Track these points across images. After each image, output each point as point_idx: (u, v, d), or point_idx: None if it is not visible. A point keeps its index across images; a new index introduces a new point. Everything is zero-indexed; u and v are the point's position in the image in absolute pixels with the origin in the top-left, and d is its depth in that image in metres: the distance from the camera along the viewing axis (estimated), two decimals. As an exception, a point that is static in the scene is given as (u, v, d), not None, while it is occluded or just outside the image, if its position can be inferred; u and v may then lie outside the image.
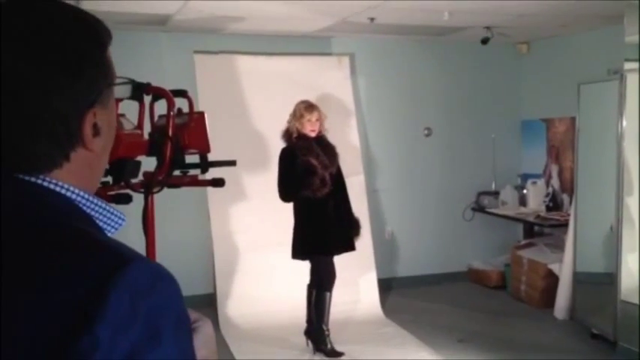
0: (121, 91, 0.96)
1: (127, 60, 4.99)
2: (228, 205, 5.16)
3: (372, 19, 4.65)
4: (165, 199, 4.78)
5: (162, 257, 5.84)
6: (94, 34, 0.82)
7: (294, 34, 5.40)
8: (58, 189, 0.77)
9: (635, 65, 4.14)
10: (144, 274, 0.72)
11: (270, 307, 4.98)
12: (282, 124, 4.36)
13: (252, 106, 5.30)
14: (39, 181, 0.76)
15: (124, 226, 0.85)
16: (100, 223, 0.81)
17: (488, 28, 5.08)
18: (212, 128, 5.21)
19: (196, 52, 5.23)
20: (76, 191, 0.79)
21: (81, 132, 0.78)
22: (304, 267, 4.44)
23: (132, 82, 0.98)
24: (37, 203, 0.76)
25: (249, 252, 5.14)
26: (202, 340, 0.87)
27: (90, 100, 0.79)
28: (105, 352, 0.65)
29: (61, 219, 0.76)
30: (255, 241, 5.11)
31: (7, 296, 0.67)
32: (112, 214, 0.83)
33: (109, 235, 0.83)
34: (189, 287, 5.26)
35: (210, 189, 5.01)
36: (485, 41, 5.21)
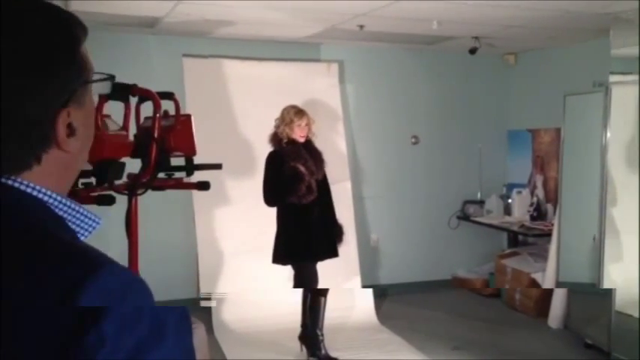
0: (99, 87, 0.93)
1: (115, 62, 4.96)
2: (214, 209, 5.14)
3: (361, 27, 4.67)
4: (150, 202, 4.76)
5: (146, 261, 5.83)
6: (67, 31, 0.79)
7: (284, 40, 5.40)
8: (29, 190, 0.75)
9: (620, 78, 4.19)
10: (117, 280, 0.71)
11: (257, 312, 4.96)
12: (269, 129, 4.34)
13: (239, 110, 5.29)
14: (9, 182, 0.74)
15: (98, 229, 0.83)
16: (73, 226, 0.79)
17: (476, 38, 5.11)
18: (199, 132, 5.21)
19: (185, 55, 5.22)
20: (48, 193, 0.76)
21: (54, 132, 0.76)
22: (290, 273, 4.43)
23: (111, 77, 0.95)
24: (7, 205, 0.73)
25: (234, 257, 5.12)
26: (196, 342, 0.87)
27: (63, 99, 0.76)
28: (110, 348, 0.65)
29: (31, 220, 0.74)
30: (241, 246, 5.08)
31: None
32: (86, 216, 0.81)
33: (82, 238, 0.81)
34: (172, 291, 5.27)
35: (196, 193, 4.99)
36: (473, 51, 5.25)
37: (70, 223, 0.79)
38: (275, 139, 4.28)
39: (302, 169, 4.11)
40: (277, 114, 4.31)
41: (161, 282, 5.27)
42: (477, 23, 4.59)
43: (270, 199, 4.19)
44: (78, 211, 0.80)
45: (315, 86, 5.46)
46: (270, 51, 5.45)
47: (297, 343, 4.42)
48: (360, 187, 5.87)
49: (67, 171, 0.81)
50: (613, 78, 4.18)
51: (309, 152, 4.25)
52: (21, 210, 0.73)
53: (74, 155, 0.80)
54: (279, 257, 4.29)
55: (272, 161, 4.22)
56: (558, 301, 4.98)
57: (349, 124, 5.78)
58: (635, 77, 4.15)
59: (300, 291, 4.40)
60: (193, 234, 5.14)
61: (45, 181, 0.76)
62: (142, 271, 5.69)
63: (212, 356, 3.94)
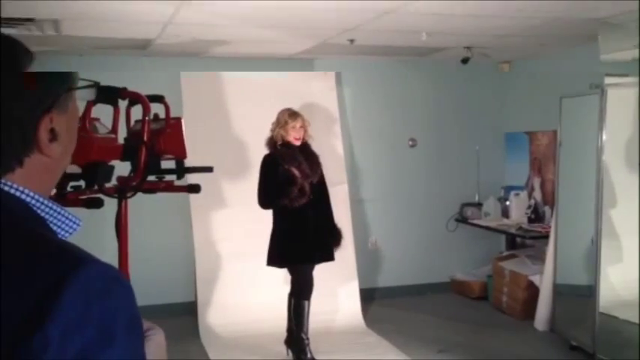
0: (84, 93, 0.95)
1: (110, 83, 4.97)
2: (211, 213, 5.15)
3: (351, 41, 4.65)
4: (147, 206, 4.79)
5: (143, 264, 5.87)
6: None
7: (278, 57, 5.41)
8: (12, 191, 0.76)
9: (615, 80, 4.19)
10: (98, 277, 0.72)
11: (251, 315, 4.97)
12: (266, 133, 4.36)
13: (236, 115, 5.30)
14: None
15: (78, 230, 0.84)
16: (54, 227, 0.81)
17: (468, 48, 5.11)
18: (197, 136, 5.23)
19: (182, 73, 5.19)
20: (31, 194, 0.78)
21: (36, 137, 0.78)
22: (286, 276, 4.44)
23: (95, 84, 0.97)
24: None
25: (231, 260, 5.13)
26: (153, 349, 0.87)
27: (46, 105, 0.78)
28: (55, 351, 0.65)
29: (13, 220, 0.75)
30: (237, 250, 5.09)
31: None
32: (67, 218, 0.82)
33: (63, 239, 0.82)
34: (170, 295, 5.28)
35: (193, 196, 5.00)
36: (465, 61, 5.25)
37: (51, 224, 0.80)
38: (271, 142, 4.31)
39: (295, 171, 4.12)
40: (272, 119, 4.33)
41: (158, 285, 5.29)
42: (467, 34, 4.59)
43: (263, 201, 4.20)
44: (59, 213, 0.81)
45: (312, 90, 5.48)
46: (266, 67, 5.41)
47: (283, 348, 4.43)
48: (358, 190, 5.87)
49: (48, 174, 0.83)
50: (608, 80, 4.18)
51: (305, 155, 4.25)
52: (3, 209, 0.75)
53: (56, 159, 0.82)
54: (273, 260, 4.30)
55: (266, 164, 4.23)
56: (544, 303, 4.98)
57: (346, 127, 5.79)
58: (630, 79, 4.15)
59: (286, 295, 4.40)
60: (190, 237, 5.14)
61: (27, 184, 0.78)
62: (139, 275, 5.69)
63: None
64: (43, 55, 4.54)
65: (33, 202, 0.78)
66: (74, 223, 0.83)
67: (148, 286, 5.19)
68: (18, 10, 3.46)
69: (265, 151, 4.32)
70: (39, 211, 0.79)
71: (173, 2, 3.36)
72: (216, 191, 5.13)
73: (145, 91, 4.91)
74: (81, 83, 0.88)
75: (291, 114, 4.26)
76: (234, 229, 5.11)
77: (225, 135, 5.25)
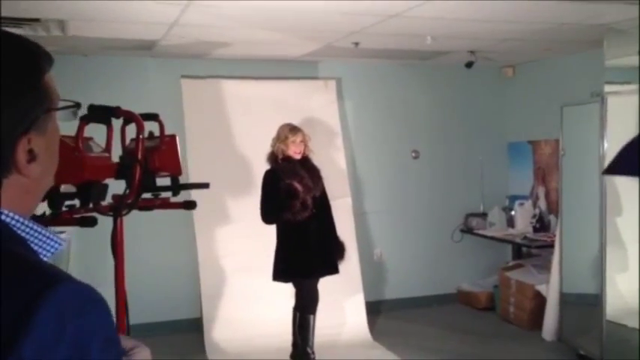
0: (64, 115, 0.96)
1: (115, 84, 5.07)
2: (215, 228, 5.16)
3: (356, 44, 4.70)
4: (151, 223, 4.81)
5: (148, 281, 5.85)
6: (31, 60, 0.82)
7: (281, 59, 5.45)
8: None
9: (616, 88, 4.18)
10: (73, 296, 0.72)
11: (256, 331, 4.95)
12: (268, 148, 4.38)
13: (238, 129, 5.32)
14: None
15: (60, 250, 0.85)
16: (35, 247, 0.81)
17: (472, 52, 5.13)
18: (198, 152, 5.25)
19: (183, 76, 5.27)
20: (10, 214, 0.78)
21: (14, 158, 0.78)
22: (292, 290, 4.43)
23: (76, 105, 0.98)
24: None
25: (236, 276, 5.12)
26: None
27: (24, 126, 0.79)
28: None
29: None
30: (242, 265, 5.09)
31: None
32: (48, 238, 0.83)
33: (44, 259, 0.83)
34: (175, 311, 5.29)
35: (196, 212, 5.00)
36: (469, 65, 5.26)
37: (32, 244, 0.81)
38: (272, 157, 4.33)
39: (297, 186, 4.13)
40: (275, 132, 4.35)
41: (164, 302, 5.30)
42: (470, 37, 4.61)
43: (266, 216, 4.21)
44: (40, 232, 0.82)
45: (313, 104, 5.49)
46: (268, 70, 5.49)
47: None
48: (362, 202, 5.87)
49: (28, 195, 0.83)
50: (608, 88, 4.17)
51: (306, 169, 4.27)
52: None
53: (35, 180, 0.82)
54: (278, 274, 4.31)
55: (268, 179, 4.25)
56: (551, 313, 4.95)
57: (349, 140, 5.80)
58: (631, 86, 4.14)
59: (290, 309, 4.39)
60: (195, 253, 5.15)
61: (7, 205, 0.79)
62: (144, 291, 5.70)
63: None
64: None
65: (13, 222, 0.79)
66: (56, 242, 0.84)
67: (153, 302, 5.21)
68: (24, 10, 3.51)
69: (267, 165, 4.33)
70: (19, 232, 0.79)
71: (179, 3, 3.40)
72: (219, 207, 5.15)
73: (149, 93, 5.06)
74: (61, 104, 0.89)
75: (292, 129, 4.29)
76: (239, 244, 5.11)
77: (226, 149, 5.27)
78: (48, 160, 0.84)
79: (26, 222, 0.80)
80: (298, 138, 4.25)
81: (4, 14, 3.50)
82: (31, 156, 0.80)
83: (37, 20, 3.74)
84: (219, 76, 5.36)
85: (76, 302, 0.72)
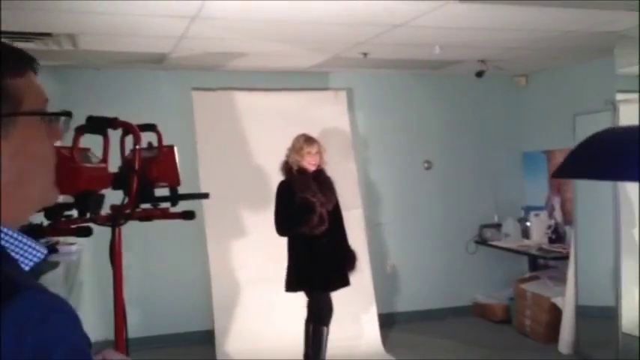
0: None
1: (127, 97, 5.13)
2: (226, 240, 5.17)
3: (365, 54, 4.69)
4: (162, 234, 4.82)
5: (160, 293, 5.85)
6: None
7: (292, 70, 5.46)
8: None
9: (628, 96, 4.12)
10: (34, 306, 0.71)
11: (269, 343, 4.93)
12: (279, 159, 4.37)
13: (250, 141, 5.34)
14: None
15: (42, 259, 0.84)
16: (15, 255, 0.80)
17: (482, 61, 5.09)
18: (210, 163, 5.26)
19: (194, 88, 5.31)
20: None
21: None
22: (304, 302, 4.40)
23: (67, 113, 0.95)
24: None
25: (248, 287, 5.12)
26: None
27: None
28: None
29: None
30: (254, 276, 5.08)
31: None
32: (30, 246, 0.82)
33: (25, 268, 0.81)
34: (187, 323, 5.29)
35: (208, 223, 5.04)
36: (479, 74, 5.22)
37: (12, 252, 0.80)
38: (286, 167, 4.30)
39: (313, 199, 4.11)
40: (286, 143, 4.34)
41: (176, 314, 5.31)
42: (479, 46, 4.58)
43: (282, 229, 4.20)
44: (21, 241, 0.81)
45: (324, 114, 5.49)
46: (279, 81, 5.51)
47: None
48: (375, 213, 5.83)
49: (7, 204, 0.81)
50: (620, 96, 4.11)
51: (320, 182, 4.24)
52: None
53: (5, 188, 0.79)
54: (291, 286, 4.29)
55: (282, 191, 4.23)
56: (567, 325, 4.86)
57: (360, 151, 5.78)
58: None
59: (302, 321, 4.36)
60: (207, 264, 5.15)
61: None
62: (156, 303, 5.69)
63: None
64: (60, 69, 4.71)
65: None
66: (38, 251, 0.83)
67: (165, 314, 5.23)
68: (35, 25, 3.56)
69: (280, 176, 4.32)
70: None
71: (185, 17, 3.44)
72: (231, 218, 5.16)
73: (160, 105, 5.11)
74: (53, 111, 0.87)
75: (307, 139, 4.27)
76: (251, 255, 5.11)
77: (238, 162, 5.29)
78: (16, 167, 0.81)
79: (5, 230, 0.79)
80: (314, 149, 4.24)
81: (15, 29, 3.56)
82: None
83: (48, 35, 3.81)
84: (229, 87, 5.40)
85: (38, 312, 0.70)
